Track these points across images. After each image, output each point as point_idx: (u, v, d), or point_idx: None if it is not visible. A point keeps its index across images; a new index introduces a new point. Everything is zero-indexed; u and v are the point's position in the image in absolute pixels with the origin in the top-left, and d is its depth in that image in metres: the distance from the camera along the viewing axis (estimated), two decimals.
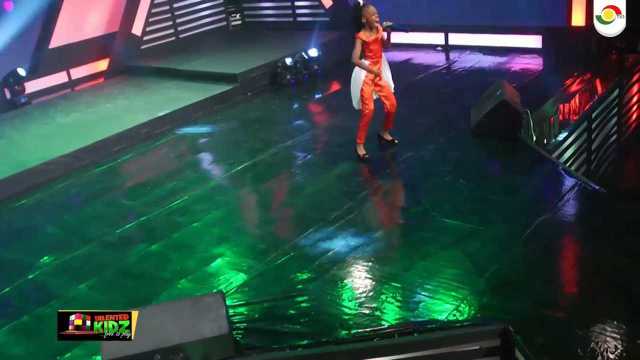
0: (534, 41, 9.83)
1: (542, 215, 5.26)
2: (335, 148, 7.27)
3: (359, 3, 6.52)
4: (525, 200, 5.62)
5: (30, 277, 5.42)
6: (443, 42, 10.76)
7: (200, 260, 5.32)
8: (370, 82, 6.48)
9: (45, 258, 5.67)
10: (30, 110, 9.81)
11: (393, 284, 4.62)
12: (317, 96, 9.59)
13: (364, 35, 6.32)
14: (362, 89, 6.46)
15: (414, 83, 9.31)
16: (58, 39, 11.13)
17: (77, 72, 11.56)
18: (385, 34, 6.40)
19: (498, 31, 10.12)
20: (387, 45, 6.49)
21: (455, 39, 10.64)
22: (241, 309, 4.56)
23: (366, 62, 6.40)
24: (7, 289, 5.29)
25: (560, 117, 8.03)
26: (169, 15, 12.40)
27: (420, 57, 10.56)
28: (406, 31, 6.34)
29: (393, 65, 10.37)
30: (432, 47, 10.83)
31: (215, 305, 4.06)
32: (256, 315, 4.49)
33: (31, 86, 10.86)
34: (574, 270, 4.75)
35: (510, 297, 4.29)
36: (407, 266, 4.83)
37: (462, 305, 4.25)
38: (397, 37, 11.20)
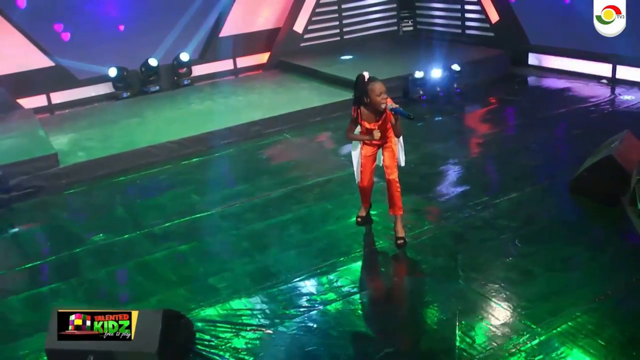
0: None
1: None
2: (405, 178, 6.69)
3: (363, 76, 4.99)
4: (574, 282, 4.66)
5: (76, 251, 5.87)
6: (610, 75, 9.38)
7: (211, 270, 5.32)
8: (369, 155, 5.33)
9: (97, 236, 6.09)
10: (179, 93, 10.54)
11: (358, 344, 4.19)
12: (444, 118, 8.97)
13: (364, 115, 5.05)
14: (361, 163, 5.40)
15: (549, 117, 8.28)
16: (229, 29, 11.86)
17: (242, 62, 12.22)
18: (393, 117, 5.05)
19: None
20: (397, 132, 5.18)
21: (625, 72, 9.20)
22: (209, 333, 4.47)
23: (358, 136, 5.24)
24: (52, 257, 5.80)
25: None
26: (336, 15, 12.48)
27: (579, 88, 9.34)
28: (410, 117, 4.94)
29: (547, 93, 9.47)
30: (597, 78, 9.50)
31: (153, 324, 4.03)
32: (214, 342, 4.37)
33: (200, 69, 11.73)
34: None
35: None
36: (389, 328, 4.35)
37: None
38: (558, 63, 10.11)
